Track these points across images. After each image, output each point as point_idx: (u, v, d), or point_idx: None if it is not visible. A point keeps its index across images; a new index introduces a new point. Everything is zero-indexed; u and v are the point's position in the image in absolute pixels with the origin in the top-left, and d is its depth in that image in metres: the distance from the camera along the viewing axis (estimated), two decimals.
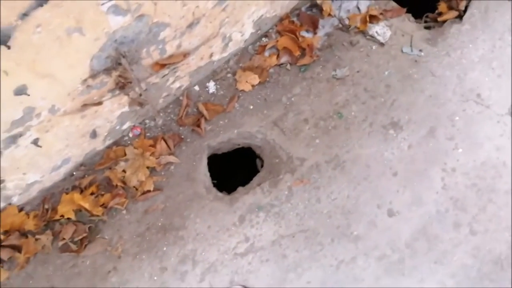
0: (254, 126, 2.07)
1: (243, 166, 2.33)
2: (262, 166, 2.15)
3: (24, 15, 1.07)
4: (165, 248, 1.91)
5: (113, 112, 1.75)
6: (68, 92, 1.44)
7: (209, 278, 1.87)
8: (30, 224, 1.82)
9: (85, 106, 1.56)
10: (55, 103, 1.45)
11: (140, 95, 1.71)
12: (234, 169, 2.39)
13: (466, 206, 2.01)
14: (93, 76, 1.45)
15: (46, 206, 1.87)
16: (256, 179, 2.09)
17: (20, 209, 1.85)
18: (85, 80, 1.45)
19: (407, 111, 2.10)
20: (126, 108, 1.79)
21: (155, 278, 1.86)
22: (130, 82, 1.58)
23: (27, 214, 1.85)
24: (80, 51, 1.32)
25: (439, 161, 2.05)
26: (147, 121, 2.02)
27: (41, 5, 1.08)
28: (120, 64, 1.47)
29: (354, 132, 2.07)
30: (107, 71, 1.48)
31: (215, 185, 2.08)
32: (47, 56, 1.24)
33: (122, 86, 1.57)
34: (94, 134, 1.78)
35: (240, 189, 2.07)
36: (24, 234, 1.83)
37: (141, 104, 1.77)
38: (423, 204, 2.00)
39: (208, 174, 2.06)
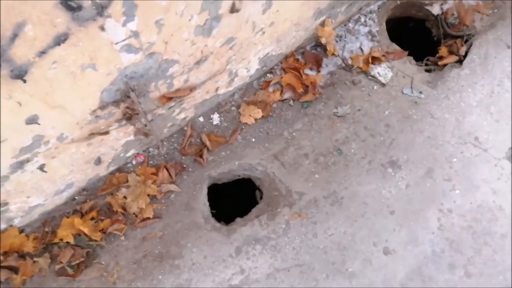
0: (255, 158, 2.11)
1: (243, 196, 2.35)
2: (261, 198, 2.18)
3: (42, 52, 1.13)
4: (160, 277, 1.92)
5: (119, 141, 1.80)
6: (77, 121, 1.49)
7: None
8: (29, 246, 1.84)
9: (92, 134, 1.60)
10: (64, 131, 1.50)
11: (146, 125, 1.75)
12: (233, 199, 2.42)
13: (462, 248, 2.02)
14: (102, 107, 1.51)
15: (46, 229, 1.90)
16: (254, 211, 2.11)
17: (21, 231, 1.87)
18: (94, 111, 1.50)
19: (405, 150, 2.14)
20: (131, 137, 1.84)
21: None
22: (137, 114, 1.63)
23: (27, 236, 1.87)
24: (92, 85, 1.38)
25: (436, 202, 2.07)
26: (151, 149, 2.07)
27: (59, 44, 1.14)
28: (128, 97, 1.52)
29: (353, 169, 2.10)
30: (116, 103, 1.53)
31: (213, 214, 2.10)
32: (60, 89, 1.29)
33: (129, 117, 1.62)
34: (98, 161, 1.82)
35: (238, 220, 2.09)
36: (22, 255, 1.85)
37: (146, 134, 1.81)
38: (419, 244, 2.02)
39: (207, 204, 2.09)
